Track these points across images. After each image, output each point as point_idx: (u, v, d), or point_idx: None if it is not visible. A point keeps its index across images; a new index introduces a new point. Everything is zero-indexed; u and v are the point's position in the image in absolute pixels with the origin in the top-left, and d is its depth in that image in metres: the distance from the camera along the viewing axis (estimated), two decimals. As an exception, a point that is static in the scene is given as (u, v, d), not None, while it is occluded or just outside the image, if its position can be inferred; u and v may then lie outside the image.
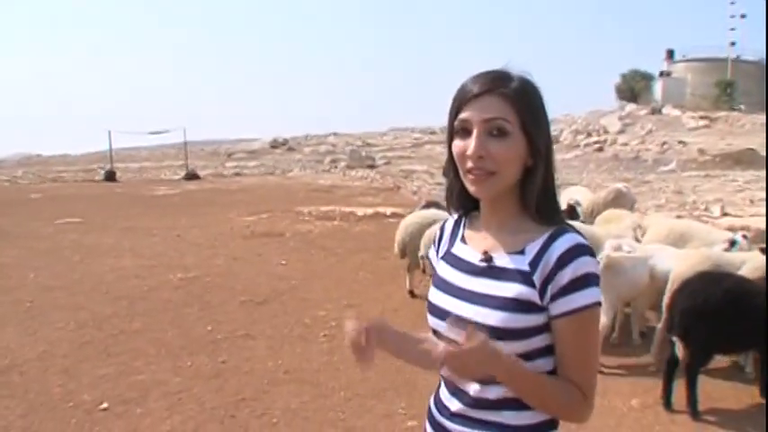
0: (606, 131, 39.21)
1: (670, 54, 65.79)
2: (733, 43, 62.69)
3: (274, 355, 6.23)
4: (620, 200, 8.16)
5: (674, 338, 5.13)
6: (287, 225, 13.83)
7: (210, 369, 5.85)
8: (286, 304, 7.93)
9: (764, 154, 26.84)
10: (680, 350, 5.10)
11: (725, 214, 13.44)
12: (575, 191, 9.69)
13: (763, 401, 5.36)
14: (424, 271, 8.50)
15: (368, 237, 12.57)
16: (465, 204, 1.78)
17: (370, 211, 15.52)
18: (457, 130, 1.62)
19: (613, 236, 6.74)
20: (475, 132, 1.58)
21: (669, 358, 5.23)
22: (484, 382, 1.65)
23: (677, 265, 6.03)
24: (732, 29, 66.40)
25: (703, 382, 5.16)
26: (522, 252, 1.63)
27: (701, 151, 28.86)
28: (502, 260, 1.65)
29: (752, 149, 27.90)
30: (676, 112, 46.55)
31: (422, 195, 19.45)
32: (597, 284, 1.60)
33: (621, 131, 39.34)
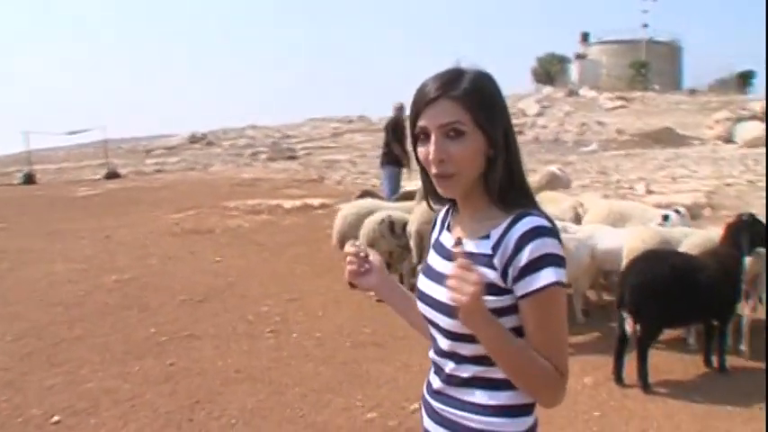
0: (525, 114, 39.58)
1: (585, 37, 67.33)
2: (646, 25, 64.70)
3: (222, 354, 6.13)
4: (555, 182, 8.27)
5: (625, 314, 5.30)
6: (216, 221, 13.58)
7: (159, 373, 5.70)
8: (226, 302, 7.80)
9: (681, 132, 27.77)
10: (629, 325, 5.29)
11: (649, 192, 13.83)
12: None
13: (708, 370, 5.63)
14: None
15: (299, 229, 12.49)
16: (442, 199, 1.84)
17: (297, 203, 15.35)
18: (418, 136, 1.71)
19: (554, 217, 6.86)
20: (433, 138, 1.66)
21: (619, 335, 5.40)
22: (458, 360, 1.75)
23: (630, 240, 6.29)
24: (645, 11, 68.84)
25: (651, 356, 5.33)
26: (487, 237, 1.69)
27: (620, 131, 29.53)
28: (469, 245, 1.71)
29: (669, 128, 28.68)
30: (593, 94, 47.49)
31: (346, 185, 19.39)
32: (558, 265, 1.62)
33: (540, 114, 39.93)
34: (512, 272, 1.63)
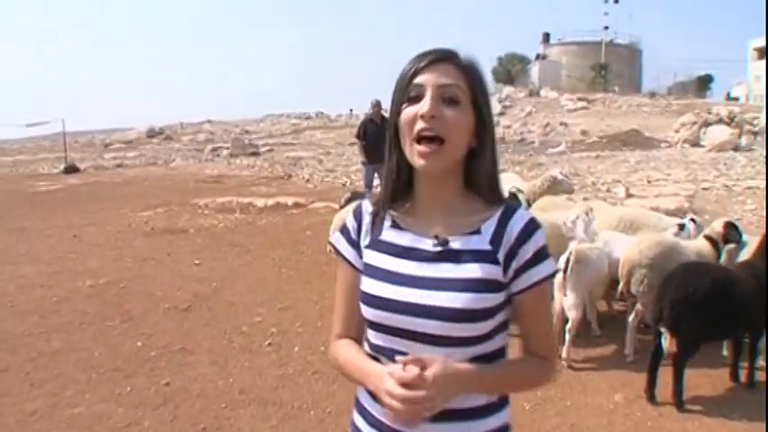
0: (487, 114, 39.41)
1: (546, 37, 67.92)
2: (606, 27, 65.55)
3: (221, 371, 5.52)
4: (557, 187, 7.76)
5: (663, 330, 4.94)
6: (188, 220, 12.88)
7: (155, 394, 5.07)
8: (214, 310, 7.18)
9: (648, 135, 27.73)
10: (667, 341, 4.94)
11: (629, 195, 13.47)
12: (508, 178, 9.27)
13: (736, 385, 5.32)
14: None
15: (277, 230, 11.86)
16: (403, 189, 1.68)
17: (270, 201, 14.70)
18: (409, 96, 1.57)
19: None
20: (429, 94, 1.54)
21: (654, 351, 5.05)
22: None
23: (627, 249, 5.83)
24: (605, 13, 69.65)
25: (670, 374, 4.99)
26: (477, 232, 1.60)
27: (584, 132, 29.38)
28: (458, 242, 1.59)
29: (637, 130, 28.60)
30: (554, 94, 47.74)
31: (315, 183, 18.83)
32: (550, 255, 1.63)
33: (502, 114, 39.84)
34: (515, 265, 1.56)
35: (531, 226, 1.59)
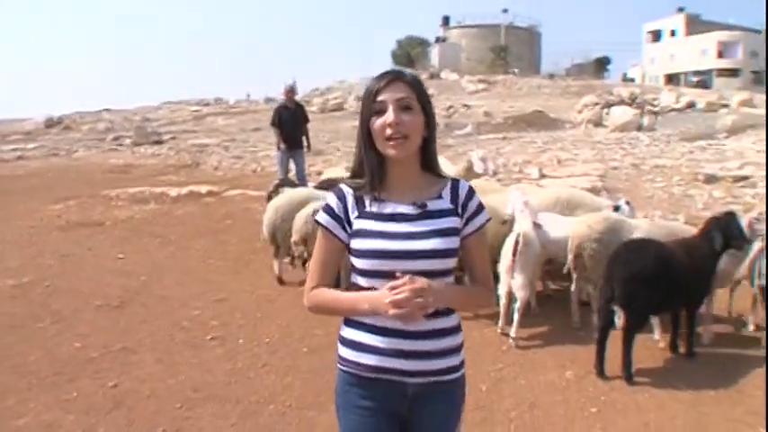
0: (389, 96, 39.05)
1: (445, 20, 68.19)
2: (505, 10, 66.33)
3: (169, 369, 5.24)
4: (472, 170, 7.58)
5: (616, 308, 5.10)
6: (102, 212, 12.26)
7: (104, 398, 4.74)
8: (148, 305, 6.83)
9: (553, 116, 28.09)
10: (620, 319, 5.16)
11: (543, 176, 13.57)
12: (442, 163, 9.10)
13: (673, 357, 5.47)
14: (293, 259, 7.67)
15: (195, 219, 11.47)
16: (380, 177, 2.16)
17: (183, 190, 14.15)
18: (375, 111, 2.09)
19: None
20: (391, 108, 2.07)
21: (603, 327, 5.13)
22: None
23: (576, 226, 5.99)
24: (505, -5, 70.78)
25: (614, 346, 5.11)
26: (440, 197, 2.19)
27: (487, 114, 29.42)
28: (432, 205, 2.16)
29: (541, 111, 28.81)
30: (455, 77, 47.76)
31: (225, 170, 18.33)
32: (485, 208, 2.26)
33: (404, 95, 39.44)
34: (466, 215, 2.19)
35: (472, 190, 2.24)
